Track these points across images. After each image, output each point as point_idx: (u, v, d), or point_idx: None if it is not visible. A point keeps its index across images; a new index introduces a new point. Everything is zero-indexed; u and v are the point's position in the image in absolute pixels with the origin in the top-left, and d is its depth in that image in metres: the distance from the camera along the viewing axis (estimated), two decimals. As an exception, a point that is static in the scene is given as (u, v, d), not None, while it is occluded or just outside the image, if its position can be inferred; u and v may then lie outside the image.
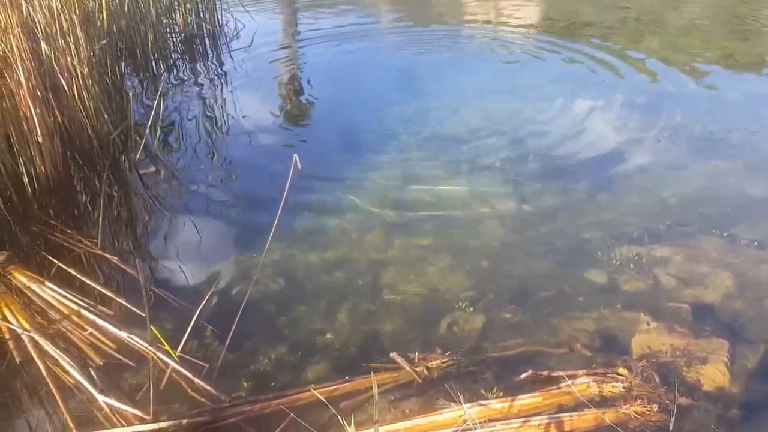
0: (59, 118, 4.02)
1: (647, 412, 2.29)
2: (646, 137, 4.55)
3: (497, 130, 4.74)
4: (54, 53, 3.92)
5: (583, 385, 2.42)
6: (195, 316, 2.50)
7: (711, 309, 2.91)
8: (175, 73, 6.25)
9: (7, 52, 3.52)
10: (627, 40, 6.93)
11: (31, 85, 3.64)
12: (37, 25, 3.83)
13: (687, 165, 4.16)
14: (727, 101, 5.24)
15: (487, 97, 5.43)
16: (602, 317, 2.86)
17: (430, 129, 4.81)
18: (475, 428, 2.21)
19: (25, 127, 3.68)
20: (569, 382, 2.42)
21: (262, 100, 5.60)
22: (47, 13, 3.89)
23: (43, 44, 3.84)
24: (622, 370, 2.48)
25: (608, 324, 2.83)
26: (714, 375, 2.50)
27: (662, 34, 7.15)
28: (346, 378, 2.50)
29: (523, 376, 2.49)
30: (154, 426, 2.26)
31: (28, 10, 3.75)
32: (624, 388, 2.40)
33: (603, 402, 2.37)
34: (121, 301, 2.92)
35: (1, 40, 3.50)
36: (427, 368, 2.54)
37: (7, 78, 3.57)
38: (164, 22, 6.59)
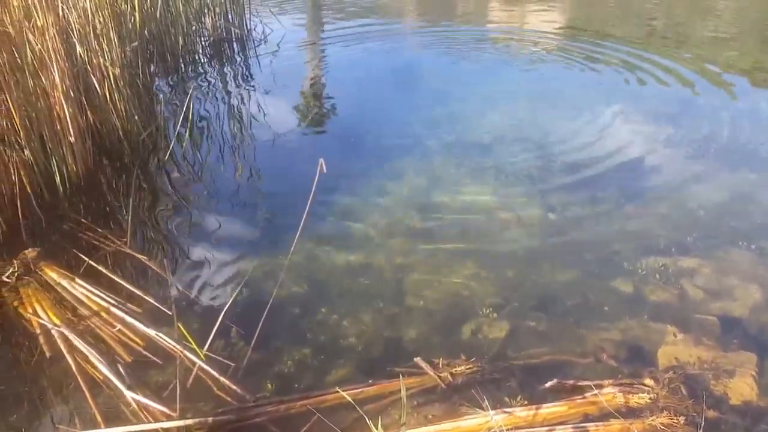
0: (91, 118, 4.10)
1: (674, 424, 2.26)
2: (674, 148, 4.51)
3: (523, 136, 4.73)
4: (87, 54, 4.00)
5: (609, 395, 2.41)
6: (221, 316, 2.52)
7: (739, 322, 2.87)
8: (203, 76, 6.32)
9: (44, 52, 3.59)
10: (655, 50, 6.89)
11: (65, 86, 3.71)
12: (72, 26, 3.91)
13: (716, 176, 4.12)
14: (756, 113, 5.17)
15: (514, 103, 5.43)
16: (628, 327, 2.84)
17: (456, 134, 4.82)
18: (500, 435, 2.20)
19: (58, 127, 3.75)
20: (595, 391, 2.40)
21: (288, 103, 5.65)
22: (82, 15, 3.98)
23: (77, 45, 3.91)
24: (648, 381, 2.46)
25: (634, 334, 2.80)
26: (741, 388, 2.47)
27: (690, 44, 7.09)
28: (371, 381, 2.51)
29: (549, 384, 2.47)
30: (181, 423, 2.28)
31: (64, 10, 3.84)
32: (650, 399, 2.38)
33: (629, 413, 2.35)
34: (149, 299, 2.95)
35: (38, 41, 3.57)
36: (452, 374, 2.53)
37: (42, 78, 3.65)
38: (194, 26, 6.69)
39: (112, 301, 2.91)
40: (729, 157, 4.37)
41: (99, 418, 2.35)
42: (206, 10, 6.80)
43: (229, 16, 7.12)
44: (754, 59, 6.53)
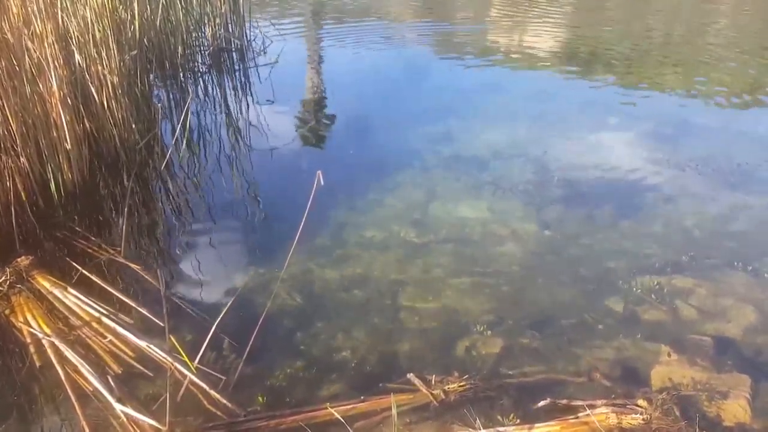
0: (88, 126, 4.09)
1: (667, 446, 2.25)
2: (671, 167, 4.51)
3: (521, 153, 4.73)
4: (86, 62, 3.99)
5: (602, 415, 2.39)
6: (213, 328, 2.50)
7: (733, 343, 2.87)
8: (202, 85, 6.32)
9: (42, 59, 3.58)
10: (654, 69, 6.92)
11: (62, 93, 3.70)
12: (71, 34, 3.91)
13: (712, 197, 4.12)
14: (754, 134, 5.19)
15: (512, 120, 5.43)
16: (622, 347, 2.83)
17: (454, 149, 4.81)
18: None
19: (55, 134, 3.74)
20: (588, 411, 2.39)
21: (286, 115, 5.65)
22: (81, 23, 3.98)
23: (76, 53, 3.91)
24: (641, 402, 2.44)
25: (628, 354, 2.79)
26: (735, 411, 2.46)
27: (689, 63, 7.12)
28: (362, 398, 2.49)
29: (542, 403, 2.46)
30: (170, 437, 2.26)
31: (63, 18, 3.84)
32: (643, 420, 2.36)
33: (622, 434, 2.34)
34: (141, 309, 2.93)
35: (36, 49, 3.57)
36: (444, 391, 2.52)
37: (40, 85, 3.64)
38: (194, 36, 6.69)
39: (104, 312, 2.89)
40: (726, 177, 4.37)
41: (87, 430, 2.33)
42: (206, 20, 6.79)
43: (230, 27, 7.12)
44: (752, 79, 6.56)
